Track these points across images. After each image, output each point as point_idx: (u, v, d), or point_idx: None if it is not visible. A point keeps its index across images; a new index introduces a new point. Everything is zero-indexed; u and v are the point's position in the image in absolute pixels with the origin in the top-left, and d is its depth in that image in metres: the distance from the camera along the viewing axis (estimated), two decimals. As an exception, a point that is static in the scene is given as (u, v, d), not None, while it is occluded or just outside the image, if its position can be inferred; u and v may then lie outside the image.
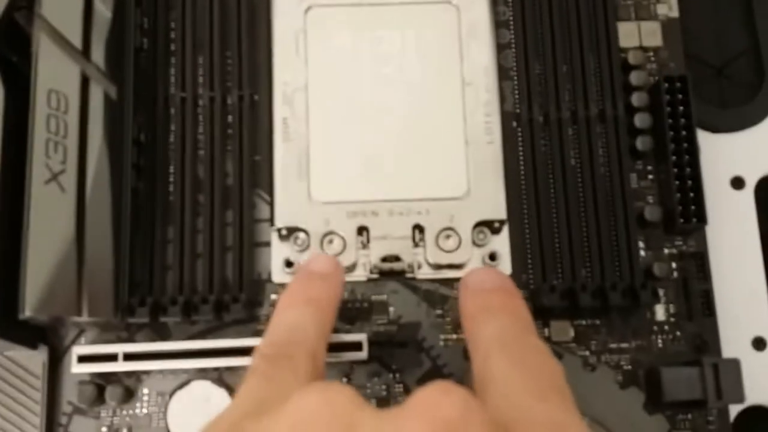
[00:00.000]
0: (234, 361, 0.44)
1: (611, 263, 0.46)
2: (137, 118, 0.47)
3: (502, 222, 0.47)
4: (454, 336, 0.46)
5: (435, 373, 0.46)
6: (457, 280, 0.47)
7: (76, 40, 0.44)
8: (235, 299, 0.45)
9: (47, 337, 0.45)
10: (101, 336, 0.46)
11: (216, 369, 0.45)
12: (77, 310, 0.41)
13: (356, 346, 0.44)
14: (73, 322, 0.44)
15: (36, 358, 0.45)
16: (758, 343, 0.47)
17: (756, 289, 0.48)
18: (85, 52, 0.44)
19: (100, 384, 0.45)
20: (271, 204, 0.47)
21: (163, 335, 0.46)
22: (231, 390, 0.45)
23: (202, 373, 0.45)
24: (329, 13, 0.50)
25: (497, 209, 0.47)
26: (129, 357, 0.44)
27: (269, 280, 0.47)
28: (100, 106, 0.44)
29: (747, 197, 0.49)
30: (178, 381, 0.45)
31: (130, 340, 0.46)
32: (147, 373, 0.45)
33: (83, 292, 0.42)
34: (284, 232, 0.47)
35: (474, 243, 0.47)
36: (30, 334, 0.44)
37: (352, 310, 0.46)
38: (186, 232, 0.46)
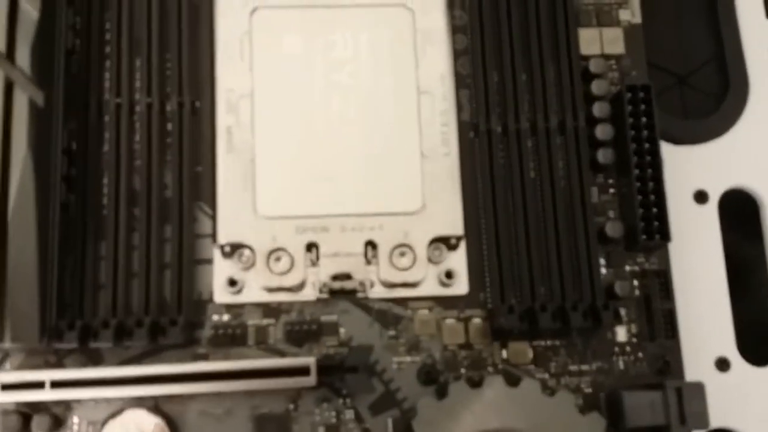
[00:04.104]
0: (171, 388, 0.41)
1: (571, 282, 0.44)
2: (68, 126, 0.44)
3: (458, 238, 0.45)
4: (408, 358, 0.44)
5: (388, 398, 0.43)
6: (412, 299, 0.45)
7: (-1, 42, 0.41)
8: (173, 321, 0.42)
9: (-33, 363, 0.42)
10: (27, 361, 0.43)
11: (152, 397, 0.42)
12: (-1, 335, 0.39)
13: (304, 371, 0.42)
14: (-5, 348, 0.41)
15: (-45, 386, 0.41)
16: (722, 364, 0.46)
17: (719, 308, 0.47)
18: (9, 54, 0.41)
19: (26, 413, 0.42)
20: (214, 218, 0.44)
21: (95, 360, 0.43)
22: (168, 419, 0.42)
23: (137, 402, 0.42)
24: (277, 15, 0.47)
25: (454, 225, 0.45)
26: (57, 384, 0.41)
27: (211, 300, 0.44)
28: (24, 114, 0.41)
29: (711, 212, 0.48)
30: (110, 409, 0.42)
31: (59, 365, 0.42)
32: (77, 401, 0.42)
33: (5, 316, 0.39)
34: (227, 248, 0.44)
35: (429, 260, 0.45)
36: (-52, 361, 0.41)
37: (300, 332, 0.44)
38: (120, 249, 0.43)
